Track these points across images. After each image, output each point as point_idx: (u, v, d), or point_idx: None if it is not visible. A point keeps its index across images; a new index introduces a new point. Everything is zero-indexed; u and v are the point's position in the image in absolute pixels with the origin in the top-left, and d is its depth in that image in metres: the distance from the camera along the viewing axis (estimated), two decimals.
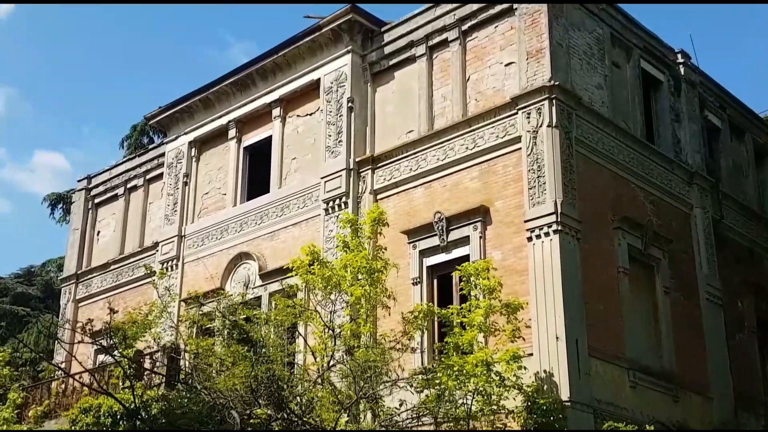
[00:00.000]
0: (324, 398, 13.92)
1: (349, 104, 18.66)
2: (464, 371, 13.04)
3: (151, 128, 36.23)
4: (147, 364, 16.49)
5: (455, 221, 16.19)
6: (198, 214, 21.74)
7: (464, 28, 17.53)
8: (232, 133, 21.38)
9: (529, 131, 15.61)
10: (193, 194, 21.96)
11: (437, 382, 13.49)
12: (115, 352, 15.42)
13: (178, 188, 22.14)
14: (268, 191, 20.09)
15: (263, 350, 14.58)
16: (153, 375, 16.24)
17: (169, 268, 21.33)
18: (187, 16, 64.17)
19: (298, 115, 20.17)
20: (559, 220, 14.79)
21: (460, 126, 16.82)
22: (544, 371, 14.04)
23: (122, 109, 63.06)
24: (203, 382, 14.79)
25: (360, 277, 14.43)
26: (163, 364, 16.25)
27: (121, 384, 16.10)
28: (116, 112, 63.61)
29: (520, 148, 15.72)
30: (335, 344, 14.24)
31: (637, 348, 15.87)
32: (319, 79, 19.50)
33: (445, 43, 17.83)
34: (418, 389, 14.01)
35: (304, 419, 13.95)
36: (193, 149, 22.31)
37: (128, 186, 24.42)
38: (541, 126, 15.50)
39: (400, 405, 14.03)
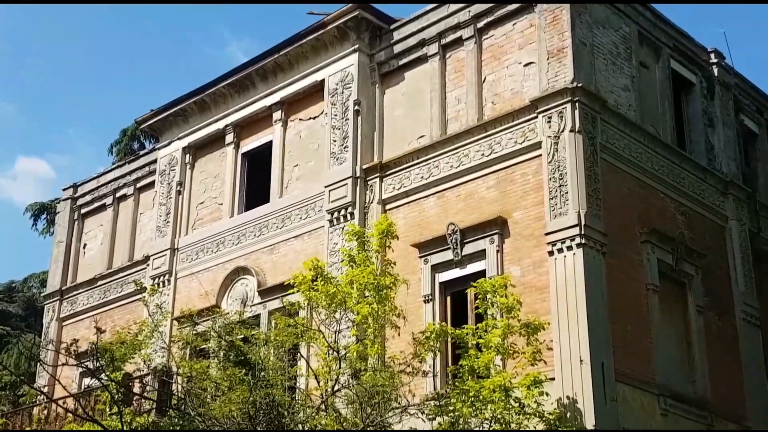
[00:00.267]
0: (328, 426, 13.88)
1: (356, 107, 18.70)
2: (480, 397, 12.99)
3: (142, 133, 36.41)
4: (136, 389, 16.47)
5: (470, 234, 16.18)
6: (192, 225, 21.77)
7: (480, 25, 17.57)
8: (229, 138, 21.43)
9: (550, 136, 15.61)
10: (187, 204, 22.00)
11: (451, 408, 13.44)
12: (102, 376, 15.40)
13: (170, 197, 22.18)
14: (267, 201, 20.12)
15: (262, 373, 14.54)
16: (143, 400, 16.21)
17: (161, 284, 21.35)
18: (181, 13, 64.57)
19: (300, 119, 20.21)
20: (582, 232, 14.78)
21: (476, 131, 16.83)
22: (567, 397, 13.99)
23: (111, 112, 63.38)
24: (197, 408, 14.75)
25: (367, 294, 14.42)
26: (154, 389, 16.22)
27: (108, 410, 16.06)
28: (105, 116, 63.97)
29: (540, 155, 15.71)
30: (340, 367, 14.21)
31: (668, 372, 15.81)
32: (323, 80, 19.55)
33: (459, 42, 17.86)
34: (430, 416, 13.96)
35: None
36: (188, 155, 22.37)
37: (117, 195, 24.47)
38: (563, 131, 15.50)
39: None
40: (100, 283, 23.75)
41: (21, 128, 67.06)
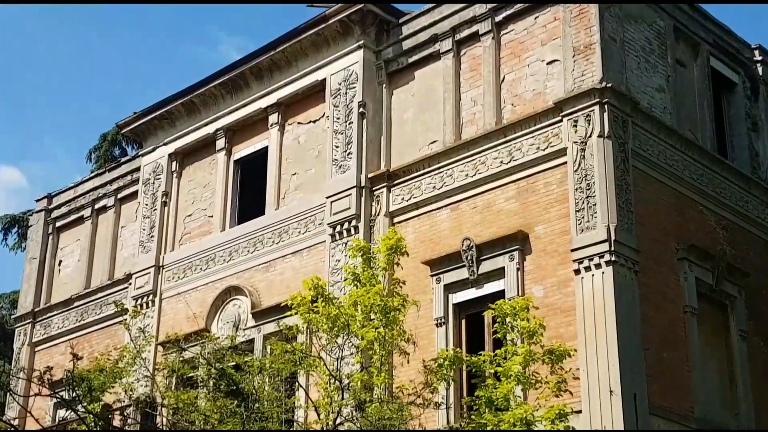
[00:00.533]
0: None
1: (361, 109, 18.72)
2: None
3: (124, 138, 36.46)
4: (117, 422, 16.42)
5: (487, 250, 16.15)
6: (179, 240, 21.79)
7: (498, 19, 17.58)
8: (220, 143, 21.46)
9: (576, 142, 15.60)
10: (173, 217, 22.03)
11: None
12: (79, 407, 15.37)
13: (155, 209, 22.21)
14: (263, 213, 20.12)
15: (256, 405, 14.52)
16: None
17: (144, 306, 21.36)
18: (168, 8, 64.82)
19: (299, 123, 20.23)
20: (612, 249, 14.74)
21: (494, 136, 16.82)
22: None
23: (90, 115, 63.58)
24: None
25: (373, 316, 14.37)
26: (137, 421, 16.20)
27: None
28: (83, 120, 64.08)
29: (565, 163, 15.70)
30: (343, 398, 14.17)
31: (708, 404, 15.76)
32: (324, 79, 19.58)
33: (475, 37, 17.88)
34: None
35: None
36: (174, 163, 22.40)
37: (96, 207, 24.53)
38: (590, 136, 15.49)
39: None
40: (76, 304, 23.77)
41: None
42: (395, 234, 15.50)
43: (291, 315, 15.24)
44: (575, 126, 15.72)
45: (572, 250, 15.12)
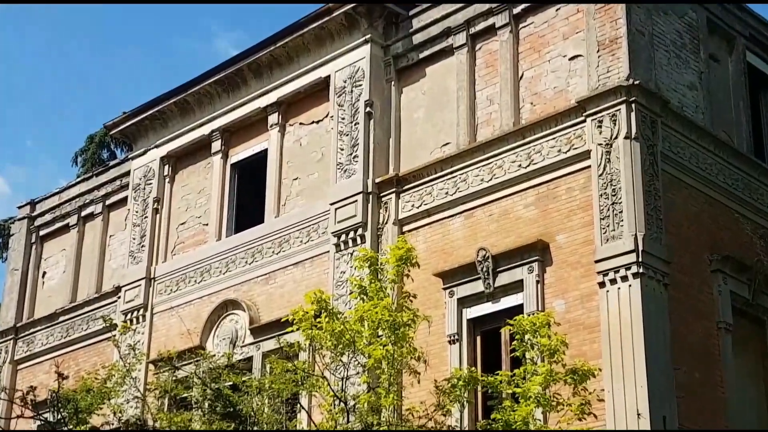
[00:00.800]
0: None
1: (368, 109, 18.77)
2: None
3: (112, 140, 36.68)
4: None
5: (504, 261, 16.18)
6: (172, 250, 21.84)
7: (516, 11, 17.62)
8: (216, 145, 21.53)
9: (600, 144, 15.62)
10: (165, 225, 22.09)
11: None
12: (64, 429, 15.42)
13: (146, 217, 22.28)
14: (262, 221, 20.17)
15: (255, 428, 14.55)
16: None
17: (135, 321, 21.41)
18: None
19: (301, 123, 20.29)
20: (640, 260, 14.74)
21: (511, 137, 16.85)
22: None
23: (76, 115, 63.78)
24: None
25: (381, 333, 14.39)
26: None
27: None
28: (68, 120, 64.29)
29: (589, 167, 15.72)
30: (348, 421, 14.19)
31: (744, 427, 15.71)
32: (328, 76, 19.64)
33: (491, 31, 17.92)
34: None
35: None
36: (167, 167, 22.47)
37: (82, 214, 24.61)
38: (616, 137, 15.50)
39: None
40: (62, 318, 23.84)
41: None
42: (405, 244, 15.51)
43: (292, 331, 15.25)
44: (600, 127, 15.73)
45: (596, 262, 15.11)
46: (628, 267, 14.78)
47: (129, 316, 21.57)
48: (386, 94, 18.99)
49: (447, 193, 17.48)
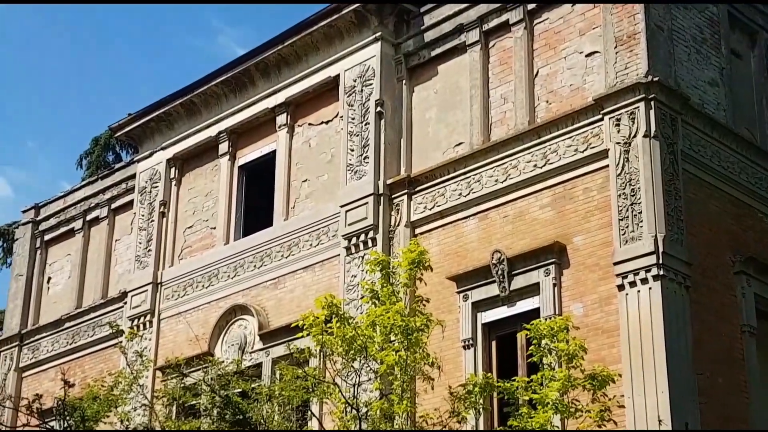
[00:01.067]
0: None
1: (378, 108, 18.73)
2: None
3: (117, 142, 36.69)
4: None
5: (520, 264, 16.11)
6: (179, 254, 21.85)
7: (531, 6, 17.57)
8: (223, 147, 21.52)
9: (619, 143, 15.55)
10: (172, 228, 22.11)
11: None
12: None
13: (152, 220, 22.28)
14: (270, 224, 20.16)
15: None
16: None
17: (141, 327, 21.42)
18: None
19: (310, 124, 20.27)
20: (661, 262, 14.65)
21: (526, 136, 16.79)
22: None
23: (81, 117, 63.93)
24: None
25: (393, 338, 14.38)
26: None
27: None
28: (73, 122, 64.46)
29: (606, 166, 15.66)
30: (360, 428, 14.14)
31: None
32: (338, 75, 19.62)
33: (505, 27, 17.86)
34: None
35: None
36: (173, 169, 22.48)
37: (88, 218, 24.65)
38: (635, 136, 15.42)
39: None
40: (67, 325, 23.87)
41: None
42: (417, 246, 15.49)
43: (302, 336, 15.25)
44: (618, 125, 15.65)
45: (615, 264, 15.03)
46: (648, 269, 14.71)
47: (136, 321, 21.59)
48: (397, 94, 18.96)
49: (460, 194, 17.42)
